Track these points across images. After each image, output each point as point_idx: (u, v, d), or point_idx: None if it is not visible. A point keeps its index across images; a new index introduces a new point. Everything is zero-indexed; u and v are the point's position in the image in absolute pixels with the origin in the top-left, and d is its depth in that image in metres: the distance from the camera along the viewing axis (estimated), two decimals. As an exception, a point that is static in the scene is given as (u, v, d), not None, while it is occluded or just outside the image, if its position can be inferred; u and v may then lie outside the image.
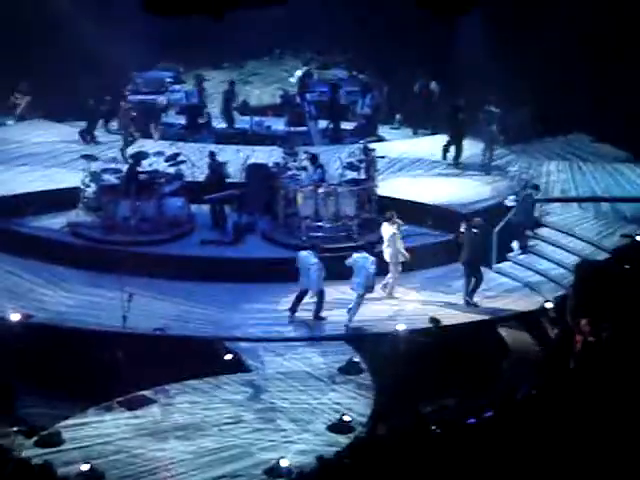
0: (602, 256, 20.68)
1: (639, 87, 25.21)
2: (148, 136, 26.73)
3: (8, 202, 22.97)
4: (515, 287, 20.98)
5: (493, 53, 25.86)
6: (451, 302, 20.33)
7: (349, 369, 17.91)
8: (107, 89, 27.77)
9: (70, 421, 16.14)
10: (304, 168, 23.43)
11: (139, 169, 22.84)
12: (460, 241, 20.40)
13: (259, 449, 15.54)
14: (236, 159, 24.75)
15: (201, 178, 23.65)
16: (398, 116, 29.70)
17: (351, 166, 23.46)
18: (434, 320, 19.17)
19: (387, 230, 20.51)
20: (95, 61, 26.79)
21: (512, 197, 23.12)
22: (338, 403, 16.90)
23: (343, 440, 15.73)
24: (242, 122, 28.76)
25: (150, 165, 23.41)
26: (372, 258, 19.52)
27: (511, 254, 22.04)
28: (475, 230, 20.21)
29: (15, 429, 16.13)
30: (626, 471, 10.80)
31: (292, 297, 20.25)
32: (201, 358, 18.06)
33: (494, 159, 25.80)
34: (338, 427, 16.08)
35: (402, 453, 12.04)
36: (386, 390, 17.39)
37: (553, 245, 22.18)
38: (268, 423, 16.31)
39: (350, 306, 19.45)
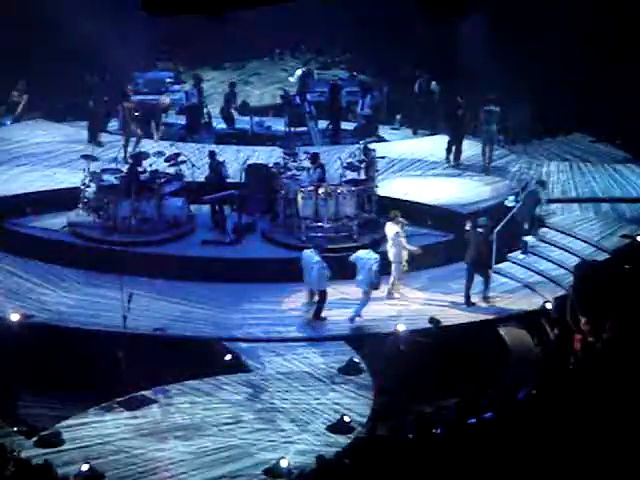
0: (602, 256, 20.70)
1: (638, 87, 25.23)
2: (148, 136, 26.71)
3: (8, 202, 22.97)
4: (515, 287, 20.98)
5: (493, 53, 25.83)
6: (451, 302, 20.32)
7: (349, 369, 17.91)
8: (107, 89, 27.75)
9: (70, 421, 16.14)
10: (304, 168, 23.43)
11: (139, 169, 22.83)
12: (467, 237, 20.41)
13: (259, 449, 15.55)
14: (236, 159, 24.77)
15: (201, 178, 23.66)
16: (398, 116, 29.71)
17: (351, 166, 23.46)
18: (434, 320, 19.18)
19: (391, 229, 20.52)
20: (95, 61, 26.82)
21: (512, 198, 23.14)
22: (338, 403, 16.91)
23: (343, 440, 15.74)
24: (242, 122, 28.76)
25: (150, 165, 23.41)
26: (375, 256, 19.53)
27: (515, 253, 22.02)
28: (480, 230, 20.23)
29: (15, 429, 16.14)
30: (626, 471, 10.80)
31: (292, 297, 20.30)
32: (201, 358, 18.08)
33: (494, 159, 25.80)
34: (338, 427, 16.08)
35: (402, 453, 12.05)
36: (386, 390, 17.40)
37: (553, 245, 22.19)
38: (268, 423, 16.32)
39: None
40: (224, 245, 22.09)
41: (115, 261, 19.88)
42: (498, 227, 21.08)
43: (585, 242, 21.97)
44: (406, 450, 12.22)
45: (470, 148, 26.17)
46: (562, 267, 21.14)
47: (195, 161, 24.19)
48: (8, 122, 28.38)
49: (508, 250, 21.91)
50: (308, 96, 29.31)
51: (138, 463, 15.07)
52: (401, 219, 20.60)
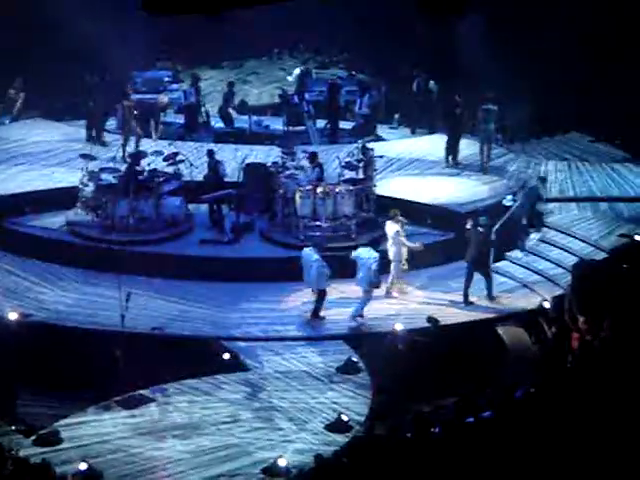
0: (600, 256, 20.70)
1: (638, 87, 25.24)
2: (147, 135, 26.71)
3: (7, 201, 22.97)
4: (513, 286, 20.97)
5: (492, 52, 25.85)
6: (450, 301, 20.33)
7: (347, 368, 17.91)
8: (106, 89, 27.73)
9: (68, 420, 16.13)
10: (302, 167, 23.44)
11: (137, 168, 22.84)
12: (467, 236, 20.42)
13: (257, 448, 15.54)
14: (234, 158, 24.78)
15: (200, 177, 23.67)
16: (396, 116, 29.72)
17: (349, 165, 23.47)
18: (432, 320, 19.19)
19: (391, 228, 20.53)
20: (94, 61, 26.80)
21: (510, 197, 23.15)
22: (336, 402, 16.91)
23: (341, 439, 15.74)
24: (241, 121, 28.76)
25: (149, 164, 23.41)
26: (375, 254, 19.53)
27: (514, 252, 22.03)
28: (481, 229, 20.24)
29: (14, 428, 16.14)
30: (625, 469, 10.81)
31: (290, 296, 20.31)
32: (199, 357, 18.08)
33: (492, 158, 25.81)
34: (336, 426, 16.09)
35: (400, 453, 12.06)
36: (384, 390, 17.41)
37: (551, 245, 22.19)
38: (266, 422, 16.32)
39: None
40: (222, 244, 22.09)
41: (113, 260, 19.86)
42: (497, 225, 21.07)
43: (583, 241, 21.98)
44: (404, 449, 12.23)
45: (468, 147, 26.17)
46: (560, 266, 21.14)
47: (193, 160, 24.19)
48: (7, 121, 28.40)
49: (506, 249, 21.91)
50: (306, 95, 29.32)
51: (136, 462, 15.06)
52: (401, 218, 20.61)
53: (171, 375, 17.34)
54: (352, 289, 19.98)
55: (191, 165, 23.82)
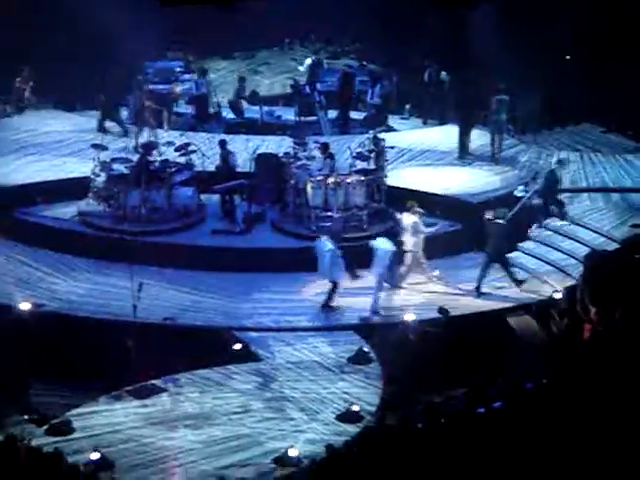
0: (612, 246, 20.66)
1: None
2: (159, 126, 26.72)
3: (18, 191, 23.02)
4: (525, 277, 20.94)
5: (504, 43, 25.80)
6: (460, 292, 20.33)
7: (358, 359, 17.91)
8: (117, 79, 27.76)
9: (80, 410, 16.18)
10: (314, 158, 23.45)
11: (149, 159, 22.86)
12: (486, 227, 20.36)
13: (268, 438, 15.56)
14: (246, 149, 24.79)
15: (211, 168, 23.69)
16: (408, 106, 29.69)
17: (361, 156, 23.47)
18: (443, 310, 19.19)
19: (408, 220, 20.53)
20: (106, 50, 26.81)
21: (521, 187, 23.11)
22: (347, 393, 16.91)
23: (352, 429, 15.76)
24: (252, 112, 28.76)
25: (160, 155, 23.44)
26: (392, 248, 19.49)
27: (527, 242, 22.02)
28: (499, 221, 20.20)
29: (26, 417, 16.19)
30: (637, 460, 10.81)
31: (302, 287, 20.35)
32: (211, 347, 18.09)
33: (503, 149, 25.78)
34: (347, 416, 16.10)
35: (411, 443, 12.07)
36: (395, 380, 17.41)
37: (563, 235, 22.16)
38: (277, 412, 16.34)
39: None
40: (234, 235, 22.11)
41: (125, 250, 19.88)
42: (509, 214, 21.00)
43: (595, 232, 21.94)
44: (415, 440, 12.24)
45: (479, 138, 26.14)
46: (572, 257, 21.11)
47: (205, 151, 24.21)
48: (15, 117, 28.30)
49: (519, 240, 21.89)
50: (318, 86, 29.31)
51: (148, 452, 15.10)
52: (418, 209, 20.61)
53: (183, 365, 17.37)
54: (364, 278, 19.98)
55: (203, 155, 23.84)
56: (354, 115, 28.80)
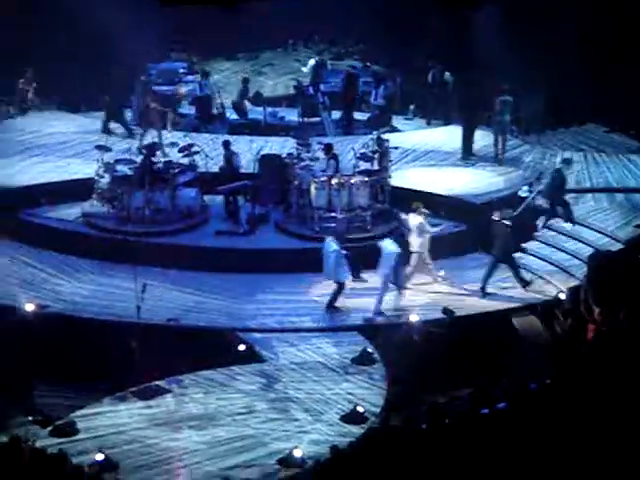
0: (616, 247, 20.66)
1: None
2: (163, 127, 26.72)
3: (22, 192, 23.04)
4: (531, 279, 20.91)
5: (507, 44, 25.80)
6: (464, 292, 20.32)
7: (362, 359, 17.90)
8: (120, 80, 27.79)
9: (84, 411, 16.17)
10: (317, 159, 23.45)
11: (153, 160, 22.88)
12: (493, 228, 20.35)
13: (273, 439, 15.55)
14: (249, 150, 24.80)
15: (215, 169, 23.70)
16: (412, 107, 29.70)
17: (364, 157, 23.46)
18: (448, 311, 19.18)
19: (414, 220, 20.53)
20: (108, 51, 26.84)
21: (525, 188, 23.11)
22: (351, 393, 16.90)
23: (356, 430, 15.74)
24: (255, 113, 28.78)
25: (164, 156, 23.43)
26: (396, 250, 19.48)
27: (531, 242, 22.02)
28: (507, 222, 20.19)
29: (30, 419, 16.20)
30: None
31: (306, 288, 20.35)
32: (215, 348, 18.10)
33: (507, 150, 25.77)
34: (351, 417, 16.09)
35: (415, 444, 12.06)
36: (399, 381, 17.41)
37: (567, 236, 22.15)
38: (281, 413, 16.33)
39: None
40: (238, 235, 22.11)
41: (129, 251, 19.88)
42: (514, 214, 20.99)
43: (599, 232, 21.93)
44: (420, 440, 12.24)
45: (483, 138, 26.13)
46: (576, 257, 21.10)
47: (208, 152, 24.22)
48: (19, 118, 28.30)
49: (523, 240, 21.88)
50: (321, 86, 29.33)
51: (152, 453, 15.09)
52: (424, 210, 20.61)
53: (187, 366, 17.37)
54: (369, 279, 19.99)
55: (206, 156, 23.86)
56: (358, 116, 28.80)
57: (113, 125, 27.10)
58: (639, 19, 26.48)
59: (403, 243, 19.98)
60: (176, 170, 22.80)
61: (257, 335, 18.83)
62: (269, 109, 28.64)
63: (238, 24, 28.88)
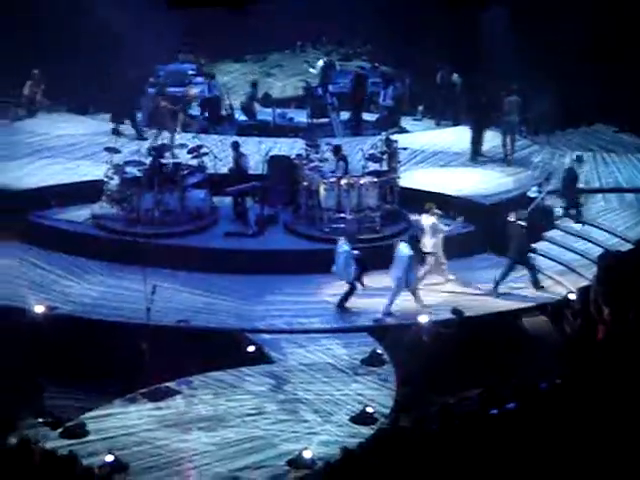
0: (626, 247, 20.62)
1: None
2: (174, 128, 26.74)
3: (32, 195, 23.07)
4: (539, 278, 20.89)
5: (515, 44, 25.78)
6: (474, 293, 20.31)
7: (372, 360, 17.89)
8: (126, 82, 27.81)
9: (95, 413, 16.19)
10: (326, 160, 23.45)
11: (162, 161, 22.89)
12: (509, 229, 20.33)
13: (282, 440, 15.56)
14: (258, 151, 24.81)
15: (224, 170, 23.72)
16: (420, 107, 29.68)
17: (373, 157, 23.46)
18: (457, 311, 19.17)
19: (427, 221, 20.54)
20: (117, 52, 26.86)
21: (535, 188, 23.08)
22: (361, 394, 16.90)
23: (366, 431, 15.74)
24: (264, 114, 28.79)
25: (173, 157, 23.47)
26: (409, 253, 19.45)
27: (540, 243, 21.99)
28: (523, 223, 20.19)
29: (40, 420, 16.22)
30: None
31: (315, 289, 20.36)
32: (224, 350, 18.11)
33: (516, 150, 25.75)
34: (361, 418, 16.08)
35: (425, 444, 12.04)
36: (409, 382, 17.39)
37: (576, 236, 22.12)
38: (291, 414, 16.33)
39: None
40: (247, 237, 22.13)
41: (138, 253, 19.89)
42: (520, 211, 20.94)
43: (609, 232, 21.90)
44: (429, 441, 12.22)
45: (492, 139, 26.10)
46: (586, 257, 21.08)
47: (217, 153, 24.23)
48: (27, 120, 28.28)
49: (533, 240, 21.85)
50: (330, 87, 29.33)
51: (162, 454, 15.10)
52: (436, 210, 20.61)
53: (196, 367, 17.38)
54: (378, 279, 19.98)
55: (215, 158, 23.87)
56: (366, 117, 28.80)
57: (122, 127, 27.10)
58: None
59: (416, 244, 19.98)
60: (185, 171, 22.82)
61: (266, 336, 18.84)
62: (278, 110, 28.65)
63: (246, 26, 28.87)
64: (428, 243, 20.44)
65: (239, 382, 17.26)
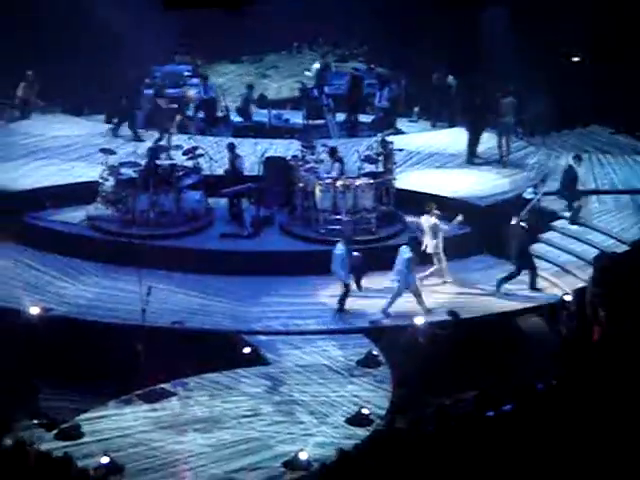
0: (621, 248, 20.62)
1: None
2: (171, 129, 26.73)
3: (27, 196, 23.04)
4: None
5: (511, 45, 25.79)
6: (470, 294, 20.30)
7: (368, 362, 17.89)
8: (127, 83, 27.80)
9: (90, 414, 16.17)
10: (322, 161, 23.44)
11: (157, 162, 22.88)
12: (511, 231, 20.34)
13: (278, 442, 15.54)
14: (254, 152, 24.79)
15: (219, 171, 23.70)
16: (416, 109, 29.68)
17: (369, 159, 23.45)
18: (453, 313, 19.16)
19: (427, 222, 20.54)
20: (113, 53, 26.85)
21: (530, 189, 23.05)
22: (357, 396, 16.89)
23: (362, 433, 15.73)
24: (260, 115, 28.77)
25: (169, 158, 23.44)
26: (408, 255, 19.43)
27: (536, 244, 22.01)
28: (524, 225, 20.18)
29: (35, 422, 16.19)
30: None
31: (311, 290, 20.34)
32: (220, 351, 18.09)
33: (512, 151, 25.75)
34: (357, 420, 16.07)
35: (421, 446, 12.04)
36: (405, 383, 17.38)
37: (572, 237, 22.12)
38: (287, 416, 16.32)
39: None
40: (242, 238, 22.11)
41: (133, 254, 19.88)
42: (522, 214, 20.94)
43: (605, 234, 21.90)
44: (425, 443, 12.21)
45: (487, 140, 26.10)
46: (581, 259, 21.07)
47: (213, 154, 24.22)
48: (22, 121, 28.20)
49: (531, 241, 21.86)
50: (326, 89, 29.32)
51: (157, 456, 15.08)
52: (436, 211, 20.62)
53: (192, 369, 17.37)
54: (375, 281, 19.94)
55: (211, 159, 23.85)
56: (362, 118, 28.79)
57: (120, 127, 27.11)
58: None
59: (417, 247, 19.99)
60: (181, 173, 22.80)
61: (262, 337, 18.83)
62: (274, 112, 28.65)
63: (242, 27, 28.88)
64: (429, 244, 20.47)
65: (235, 384, 17.24)
